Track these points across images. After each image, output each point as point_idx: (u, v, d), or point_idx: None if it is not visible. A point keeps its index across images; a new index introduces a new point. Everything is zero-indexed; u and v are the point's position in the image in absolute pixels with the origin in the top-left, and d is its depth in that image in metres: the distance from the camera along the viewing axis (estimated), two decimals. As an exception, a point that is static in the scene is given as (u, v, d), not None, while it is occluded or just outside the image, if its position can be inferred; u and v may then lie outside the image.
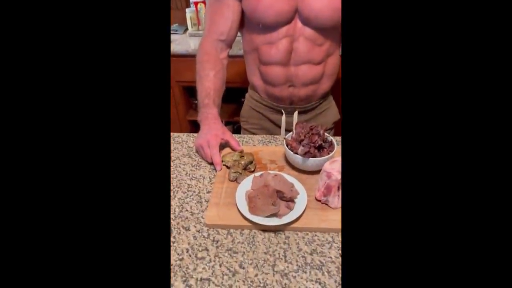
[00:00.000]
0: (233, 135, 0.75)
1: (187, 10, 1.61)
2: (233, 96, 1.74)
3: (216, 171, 0.67)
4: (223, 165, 0.68)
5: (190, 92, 1.70)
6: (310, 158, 0.62)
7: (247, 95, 1.00)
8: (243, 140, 0.80)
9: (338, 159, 0.56)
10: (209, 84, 0.78)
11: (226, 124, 1.80)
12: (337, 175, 0.53)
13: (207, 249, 0.51)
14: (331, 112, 0.98)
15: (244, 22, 0.82)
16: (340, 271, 0.48)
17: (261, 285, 0.46)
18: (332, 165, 0.55)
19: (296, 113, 0.92)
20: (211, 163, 0.69)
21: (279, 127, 0.95)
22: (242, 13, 0.79)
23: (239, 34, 0.88)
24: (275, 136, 0.82)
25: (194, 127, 1.76)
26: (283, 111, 0.92)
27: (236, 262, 0.49)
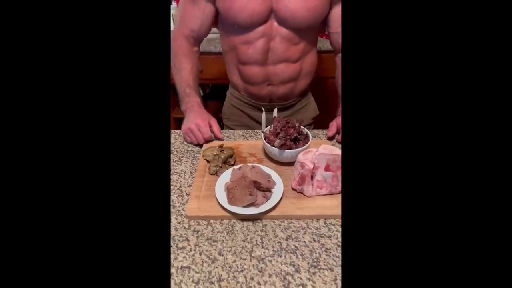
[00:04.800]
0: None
1: (170, 7, 1.62)
2: (218, 93, 1.76)
3: (197, 166, 0.69)
4: (204, 159, 0.70)
5: (175, 89, 1.70)
6: (286, 150, 0.64)
7: (228, 92, 1.02)
8: (224, 135, 0.82)
9: (312, 149, 0.59)
10: (188, 75, 0.83)
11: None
12: (309, 164, 0.56)
13: (187, 239, 0.53)
14: (310, 108, 1.01)
15: (221, 23, 0.84)
16: (313, 253, 0.51)
17: (239, 269, 0.49)
18: (305, 156, 0.58)
19: (275, 110, 0.94)
20: (199, 145, 0.76)
21: (260, 124, 0.97)
22: (216, 13, 0.81)
23: (216, 31, 0.90)
24: (255, 130, 0.85)
25: (179, 124, 1.76)
26: (263, 108, 0.94)
27: (215, 250, 0.52)
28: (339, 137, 0.77)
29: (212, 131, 0.76)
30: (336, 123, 0.78)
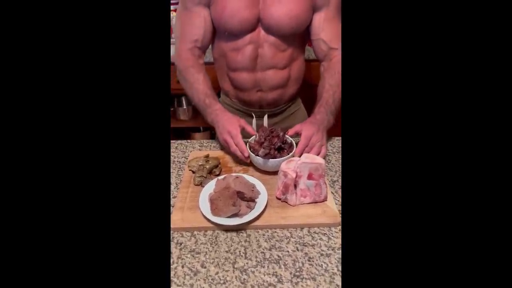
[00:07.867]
0: (206, 140, 0.82)
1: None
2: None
3: (182, 177, 0.69)
4: (189, 170, 0.70)
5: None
6: (270, 159, 0.65)
7: (219, 100, 1.03)
8: (211, 145, 0.82)
9: (295, 158, 0.59)
10: (203, 86, 0.81)
11: (206, 129, 1.82)
12: (292, 173, 0.56)
13: (170, 252, 0.53)
14: (300, 114, 1.02)
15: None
16: (296, 263, 0.50)
17: (221, 282, 0.48)
18: (288, 165, 0.58)
19: (266, 117, 0.95)
20: (184, 157, 0.75)
21: (251, 130, 0.98)
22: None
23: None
24: (243, 139, 0.85)
25: (175, 135, 1.77)
26: (253, 114, 0.95)
27: (198, 262, 0.51)
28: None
29: (246, 131, 0.74)
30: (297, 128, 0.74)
